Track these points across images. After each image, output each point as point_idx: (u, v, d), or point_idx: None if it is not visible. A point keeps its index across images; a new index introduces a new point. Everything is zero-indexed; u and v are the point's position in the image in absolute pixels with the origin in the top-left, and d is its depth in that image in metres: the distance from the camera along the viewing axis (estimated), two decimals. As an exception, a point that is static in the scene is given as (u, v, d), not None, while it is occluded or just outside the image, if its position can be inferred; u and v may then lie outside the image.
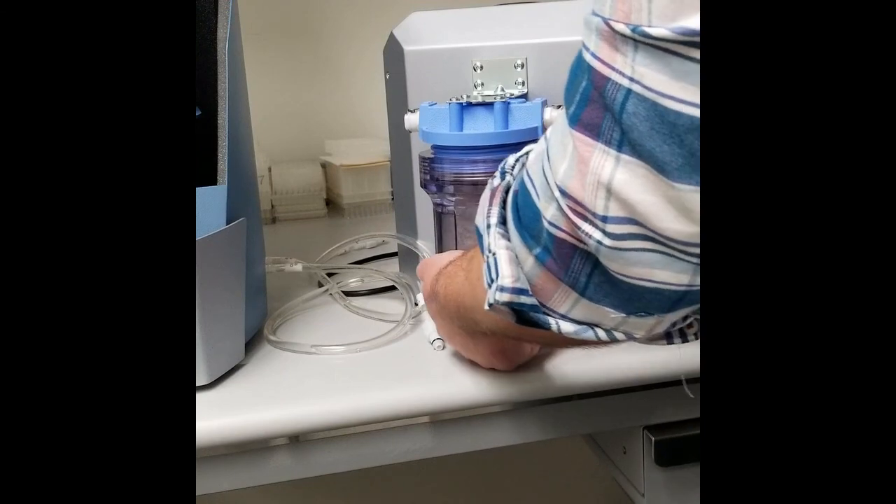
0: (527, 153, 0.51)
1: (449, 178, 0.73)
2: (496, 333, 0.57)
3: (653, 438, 0.72)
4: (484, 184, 0.72)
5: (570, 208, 0.42)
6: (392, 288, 0.84)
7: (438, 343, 0.71)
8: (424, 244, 0.82)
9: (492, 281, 0.49)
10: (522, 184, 0.47)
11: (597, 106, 0.40)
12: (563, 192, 0.42)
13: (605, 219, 0.40)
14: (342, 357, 0.71)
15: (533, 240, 0.46)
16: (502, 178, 0.54)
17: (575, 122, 0.41)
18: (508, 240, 0.49)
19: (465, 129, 0.72)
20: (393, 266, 0.89)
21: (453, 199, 0.74)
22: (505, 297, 0.48)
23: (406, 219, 0.83)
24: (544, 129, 0.72)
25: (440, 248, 0.76)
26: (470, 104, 0.71)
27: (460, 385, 0.65)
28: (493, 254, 0.49)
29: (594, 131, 0.40)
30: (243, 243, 0.68)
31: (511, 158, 0.55)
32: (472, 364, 0.67)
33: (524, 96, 0.75)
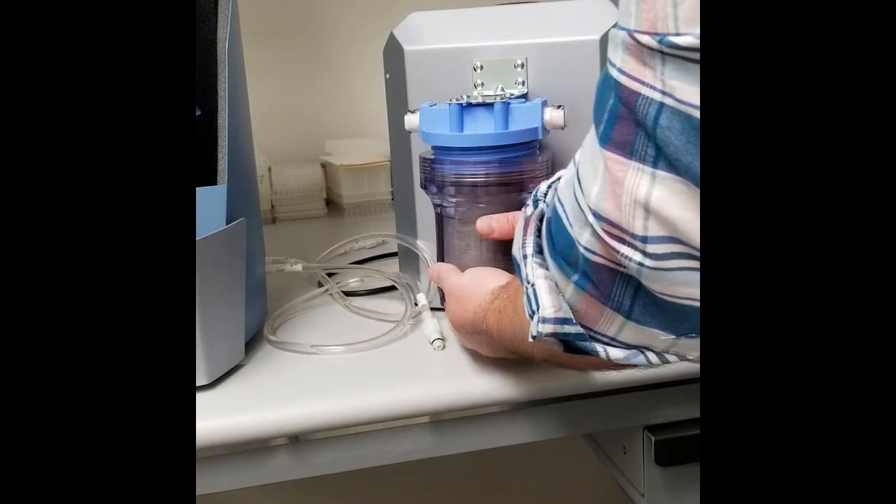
0: (558, 178, 0.50)
1: (449, 180, 0.73)
2: (550, 362, 0.56)
3: (653, 438, 0.72)
4: (485, 185, 0.72)
5: (606, 231, 0.41)
6: (392, 288, 0.84)
7: (438, 343, 0.71)
8: (424, 244, 0.82)
9: (533, 312, 0.48)
10: (554, 211, 0.46)
11: (627, 123, 0.39)
12: (597, 216, 0.41)
13: (644, 239, 0.39)
14: (342, 357, 0.71)
15: (570, 267, 0.45)
16: (535, 205, 0.52)
17: (605, 141, 0.40)
18: (546, 269, 0.48)
19: (465, 129, 0.72)
20: (393, 266, 0.89)
21: (453, 200, 0.73)
22: (548, 328, 0.47)
23: (406, 219, 0.83)
24: (544, 129, 0.72)
25: (441, 250, 0.76)
26: (470, 104, 0.71)
27: (460, 385, 0.65)
28: (532, 284, 0.48)
29: (626, 150, 0.39)
30: (243, 243, 0.68)
31: (543, 185, 0.54)
32: (473, 364, 0.67)
33: (524, 96, 0.75)
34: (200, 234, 0.61)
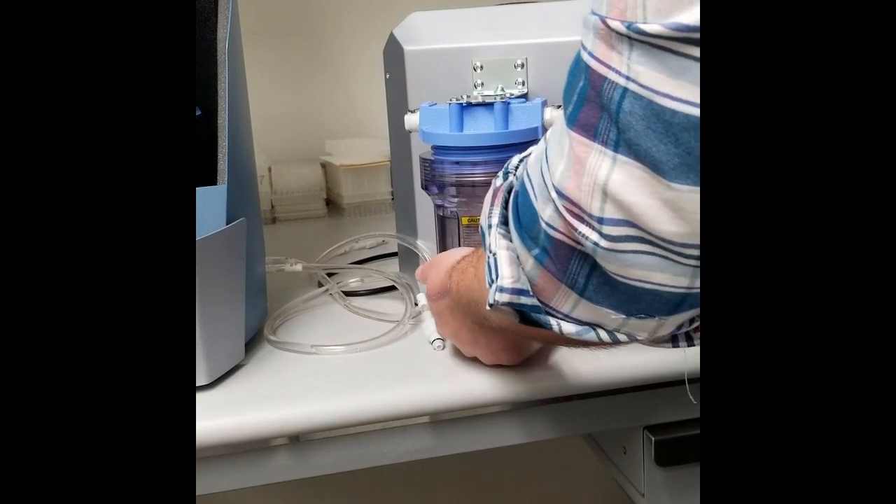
0: (529, 153, 0.51)
1: (450, 180, 0.73)
2: (504, 330, 0.57)
3: (653, 438, 0.72)
4: (485, 185, 0.72)
5: (567, 209, 0.42)
6: (392, 288, 0.84)
7: (438, 343, 0.71)
8: (424, 244, 0.82)
9: (492, 281, 0.49)
10: (522, 185, 0.47)
11: (594, 106, 0.40)
12: (559, 194, 0.42)
13: (601, 220, 0.40)
14: (342, 357, 0.71)
15: (532, 241, 0.47)
16: (505, 178, 0.53)
17: (572, 122, 0.41)
18: (510, 240, 0.49)
19: (465, 129, 0.72)
20: (393, 266, 0.89)
21: (455, 200, 0.74)
22: (505, 297, 0.48)
23: (406, 219, 0.83)
24: (544, 129, 0.72)
25: (442, 250, 0.76)
26: (470, 104, 0.71)
27: (460, 385, 0.65)
28: (494, 254, 0.50)
29: (591, 132, 0.40)
30: (243, 243, 0.68)
31: (515, 159, 0.55)
32: (472, 364, 0.67)
33: (524, 96, 0.75)
34: (200, 234, 0.61)
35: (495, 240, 0.50)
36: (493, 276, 0.49)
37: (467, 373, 0.66)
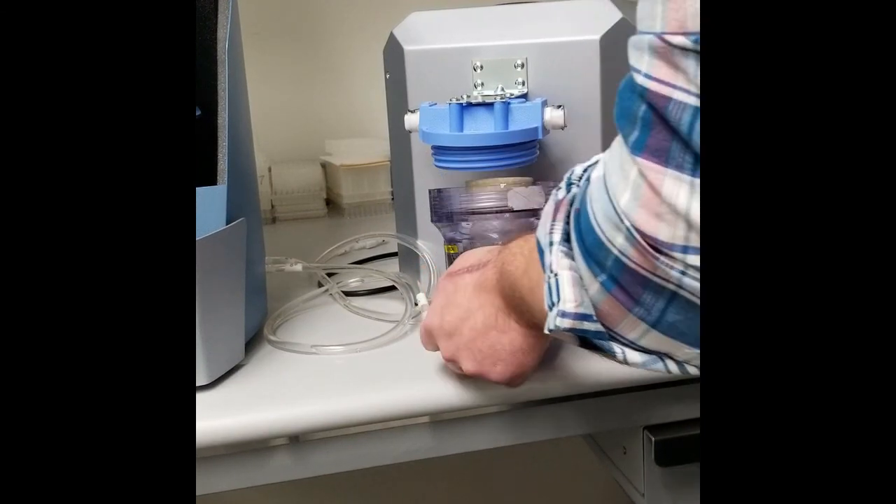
0: (595, 163, 0.48)
1: (459, 211, 0.71)
2: (533, 328, 0.53)
3: (653, 438, 0.72)
4: (495, 212, 0.70)
5: (641, 239, 0.39)
6: (392, 288, 0.84)
7: (438, 343, 0.71)
8: (424, 244, 0.82)
9: (552, 304, 0.46)
10: (584, 205, 0.44)
11: (661, 129, 0.37)
12: (630, 222, 0.39)
13: (685, 250, 0.38)
14: (342, 357, 0.71)
15: (598, 266, 0.43)
16: (567, 189, 0.50)
17: (640, 149, 0.38)
18: (572, 259, 0.46)
19: (465, 129, 0.72)
20: (393, 266, 0.89)
21: (466, 231, 0.71)
22: (567, 322, 0.45)
23: (406, 219, 0.83)
24: (544, 129, 0.72)
25: None
26: (470, 104, 0.71)
27: (460, 385, 0.65)
28: (555, 274, 0.46)
29: (662, 157, 0.37)
30: (243, 243, 0.68)
31: (578, 168, 0.51)
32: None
33: (524, 96, 0.75)
34: (200, 234, 0.61)
35: (557, 258, 0.46)
36: (554, 299, 0.45)
37: (467, 373, 0.66)
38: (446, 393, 0.64)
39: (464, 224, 0.71)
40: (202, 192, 0.63)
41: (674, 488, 0.74)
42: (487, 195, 0.71)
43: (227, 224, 0.65)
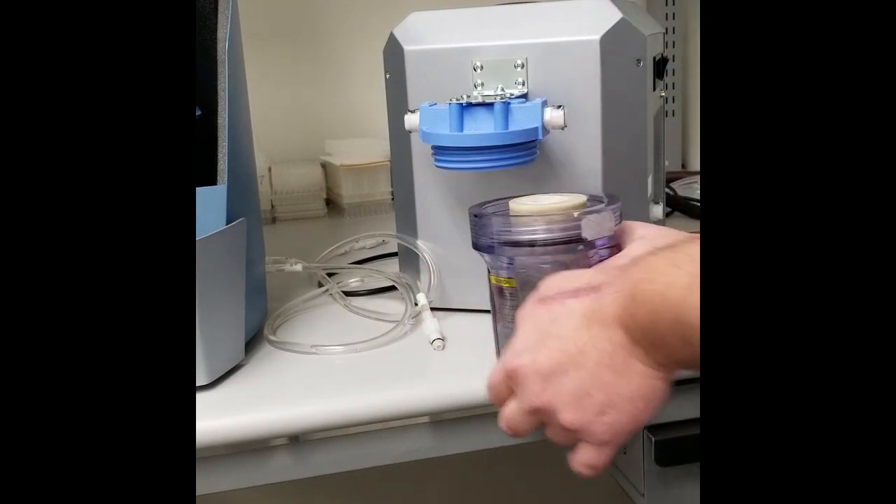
0: None
1: (502, 239, 0.59)
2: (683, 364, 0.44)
3: (653, 438, 0.72)
4: (560, 243, 0.56)
5: None
6: (392, 288, 0.84)
7: (438, 343, 0.71)
8: (424, 244, 0.82)
9: None
10: None
11: None
12: None
13: None
14: (342, 357, 0.71)
15: None
16: None
17: None
18: None
19: (465, 129, 0.71)
20: (393, 266, 0.89)
21: (522, 263, 0.60)
22: None
23: (406, 219, 0.83)
24: (544, 129, 0.72)
25: (500, 336, 0.63)
26: (470, 104, 0.71)
27: (460, 385, 0.65)
28: None
29: None
30: (243, 243, 0.68)
31: None
32: (472, 364, 0.67)
33: (524, 96, 0.75)
34: (200, 234, 0.61)
35: None
36: None
37: (467, 373, 0.66)
38: (446, 393, 0.64)
39: (522, 258, 0.60)
40: (202, 192, 0.63)
41: (674, 488, 0.74)
42: (550, 224, 0.58)
43: (227, 224, 0.65)
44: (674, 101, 1.38)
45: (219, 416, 0.61)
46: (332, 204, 1.26)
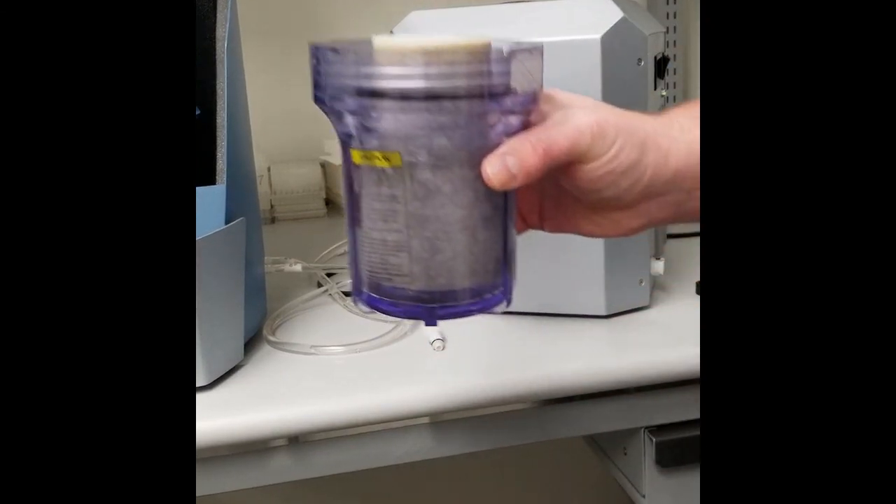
0: None
1: (348, 86, 0.42)
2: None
3: (654, 439, 0.72)
4: (471, 98, 0.41)
5: None
6: (392, 288, 0.84)
7: (438, 343, 0.71)
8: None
9: None
10: None
11: None
12: None
13: None
14: (342, 357, 0.71)
15: None
16: None
17: None
18: None
19: (464, 128, 0.71)
20: (393, 266, 0.89)
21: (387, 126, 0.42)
22: None
23: (406, 219, 0.83)
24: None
25: (355, 218, 0.46)
26: (470, 104, 0.71)
27: (460, 385, 0.65)
28: None
29: None
30: (243, 243, 0.68)
31: None
32: (472, 364, 0.67)
33: (524, 96, 0.75)
34: (200, 234, 0.61)
35: None
36: None
37: (467, 373, 0.66)
38: (446, 393, 0.64)
39: (406, 117, 0.41)
40: (201, 192, 0.63)
41: (675, 489, 0.74)
42: (453, 65, 0.40)
43: (226, 224, 0.65)
44: (674, 101, 1.38)
45: (218, 416, 0.61)
46: (331, 204, 1.26)
